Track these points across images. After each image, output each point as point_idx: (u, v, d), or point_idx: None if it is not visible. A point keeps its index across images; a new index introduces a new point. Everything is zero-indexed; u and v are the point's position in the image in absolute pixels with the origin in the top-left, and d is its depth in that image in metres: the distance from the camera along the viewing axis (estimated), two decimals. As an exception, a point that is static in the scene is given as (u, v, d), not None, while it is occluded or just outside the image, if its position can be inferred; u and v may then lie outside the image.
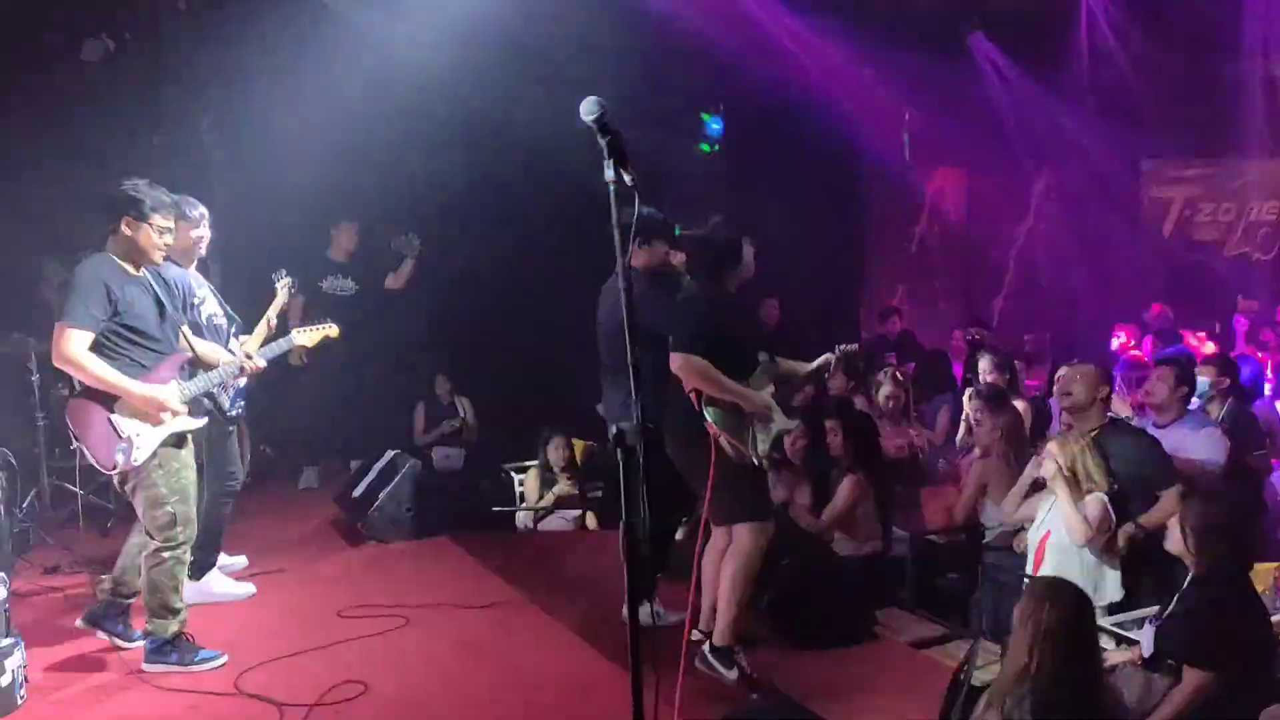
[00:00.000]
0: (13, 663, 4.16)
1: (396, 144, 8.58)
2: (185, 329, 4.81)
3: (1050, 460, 4.70)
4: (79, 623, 4.78)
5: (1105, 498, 4.61)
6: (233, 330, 5.41)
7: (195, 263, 5.32)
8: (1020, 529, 5.34)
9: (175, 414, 4.54)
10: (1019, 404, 6.81)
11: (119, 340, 4.43)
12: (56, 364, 4.41)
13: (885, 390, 7.27)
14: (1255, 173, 12.93)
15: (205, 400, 4.92)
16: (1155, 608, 3.97)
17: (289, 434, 8.15)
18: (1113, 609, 4.52)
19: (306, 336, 5.51)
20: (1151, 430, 5.40)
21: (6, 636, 4.24)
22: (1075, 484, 4.64)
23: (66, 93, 7.76)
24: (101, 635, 4.78)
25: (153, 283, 4.60)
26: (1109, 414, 5.16)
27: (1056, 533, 4.71)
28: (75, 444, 4.49)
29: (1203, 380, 6.07)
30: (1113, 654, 3.95)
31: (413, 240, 7.80)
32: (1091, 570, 4.58)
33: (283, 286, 5.66)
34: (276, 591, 5.62)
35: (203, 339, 5.02)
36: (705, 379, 4.25)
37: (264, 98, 8.22)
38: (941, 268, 13.15)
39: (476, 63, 8.51)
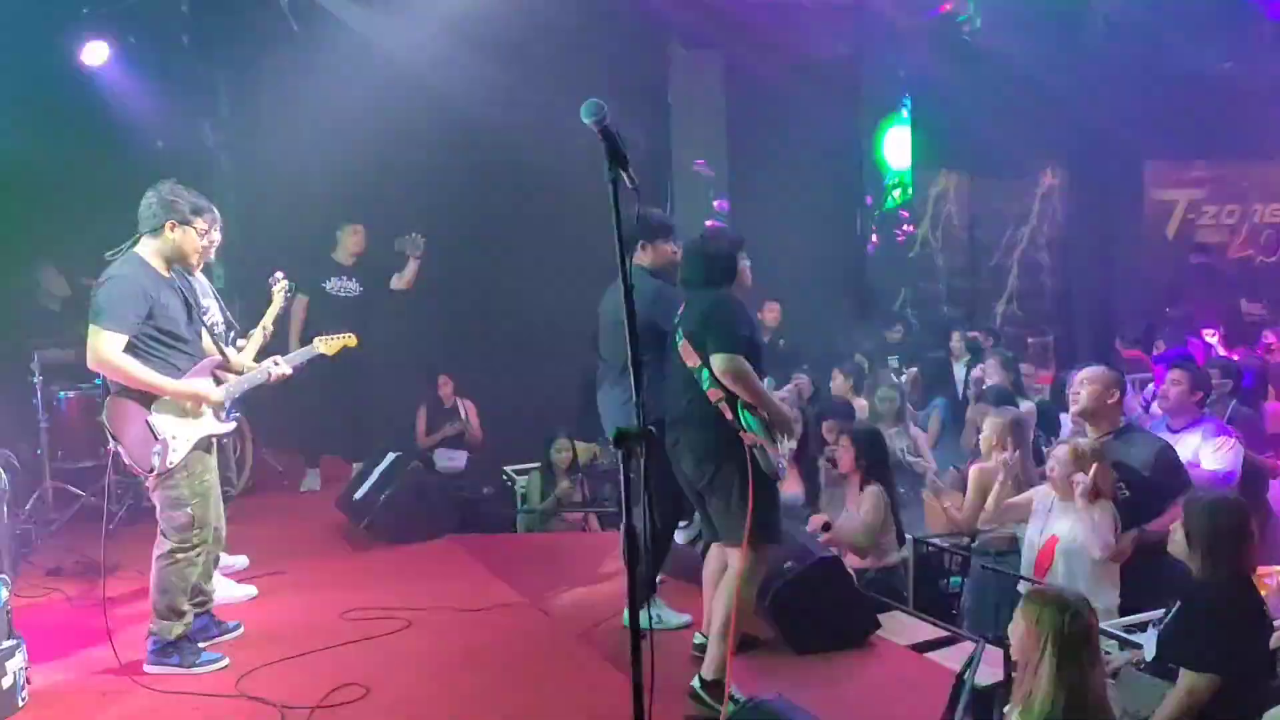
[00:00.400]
0: (14, 664, 4.16)
1: (399, 146, 8.60)
2: (204, 332, 4.84)
3: (1065, 468, 4.68)
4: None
5: (1112, 505, 4.61)
6: (231, 337, 5.41)
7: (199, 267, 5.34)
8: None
9: (215, 405, 4.61)
10: (1024, 405, 6.82)
11: (153, 343, 4.45)
12: (92, 366, 4.41)
13: (880, 393, 7.28)
14: (1259, 175, 12.93)
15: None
16: (1159, 611, 3.95)
17: (291, 437, 8.16)
18: (1108, 614, 4.51)
19: (328, 345, 5.49)
20: (1166, 434, 5.36)
21: (8, 638, 4.24)
22: (1086, 488, 4.62)
23: (69, 97, 7.78)
24: (210, 644, 4.77)
25: (181, 286, 4.65)
26: (1122, 418, 5.13)
27: (1066, 538, 4.69)
28: (113, 444, 4.45)
29: None
30: (1115, 657, 3.94)
31: (417, 239, 7.79)
32: (1097, 575, 4.58)
33: (279, 290, 5.64)
34: (278, 594, 5.62)
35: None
36: (749, 382, 4.07)
37: (266, 101, 8.24)
38: (944, 270, 13.14)
39: (479, 65, 8.54)
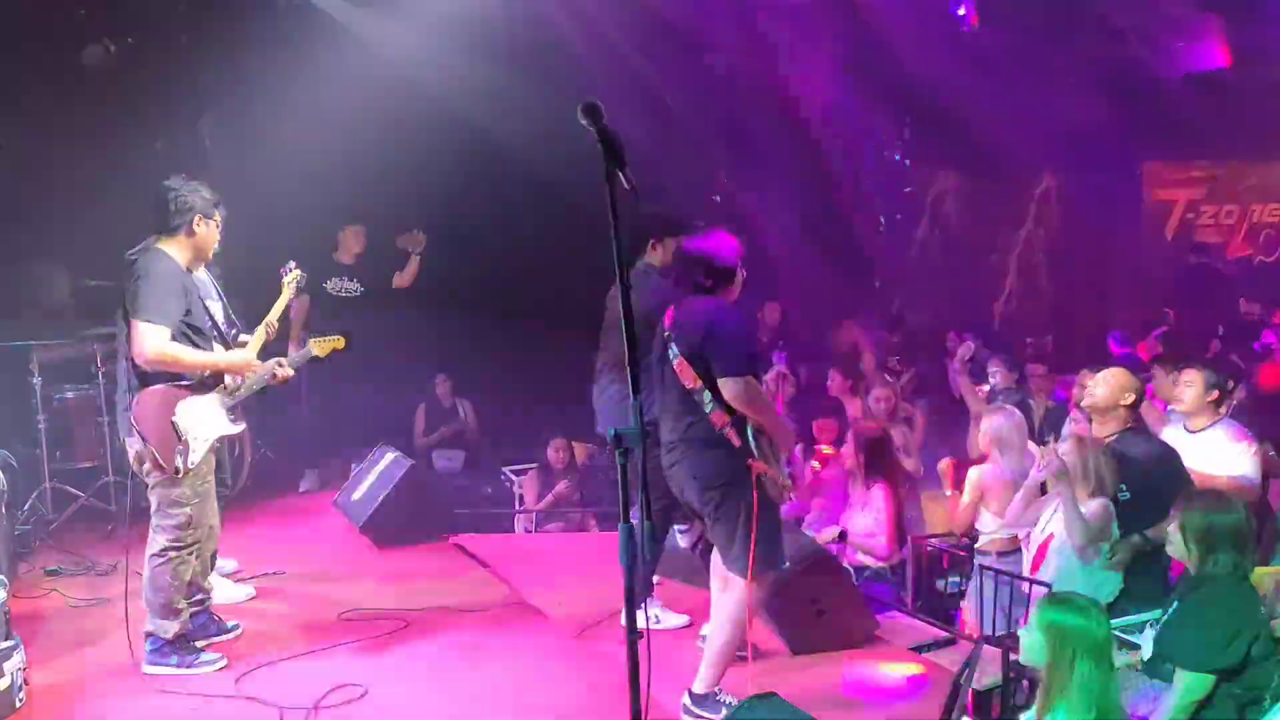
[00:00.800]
0: (12, 665, 4.16)
1: (397, 146, 8.59)
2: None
3: (1056, 460, 4.67)
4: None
5: (1109, 503, 4.60)
6: (234, 335, 5.40)
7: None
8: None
9: (253, 372, 4.75)
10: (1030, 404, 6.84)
11: (183, 339, 4.49)
12: (143, 362, 4.40)
13: (876, 392, 7.29)
14: (1258, 175, 12.93)
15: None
16: (1157, 611, 3.96)
17: (289, 437, 8.15)
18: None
19: (320, 347, 5.48)
20: (1184, 435, 5.35)
21: (6, 639, 4.24)
22: (1082, 484, 4.61)
23: (68, 97, 7.77)
24: (208, 643, 4.77)
25: (199, 283, 4.70)
26: (1133, 420, 5.12)
27: (1059, 536, 4.70)
28: (141, 445, 4.45)
29: None
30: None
31: (418, 236, 7.78)
32: (1093, 574, 4.58)
33: (289, 281, 5.60)
34: (277, 594, 5.62)
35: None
36: (761, 405, 3.94)
37: (265, 101, 8.22)
38: (942, 271, 13.15)
39: (476, 65, 8.54)
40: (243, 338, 5.33)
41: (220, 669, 4.58)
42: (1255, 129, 11.75)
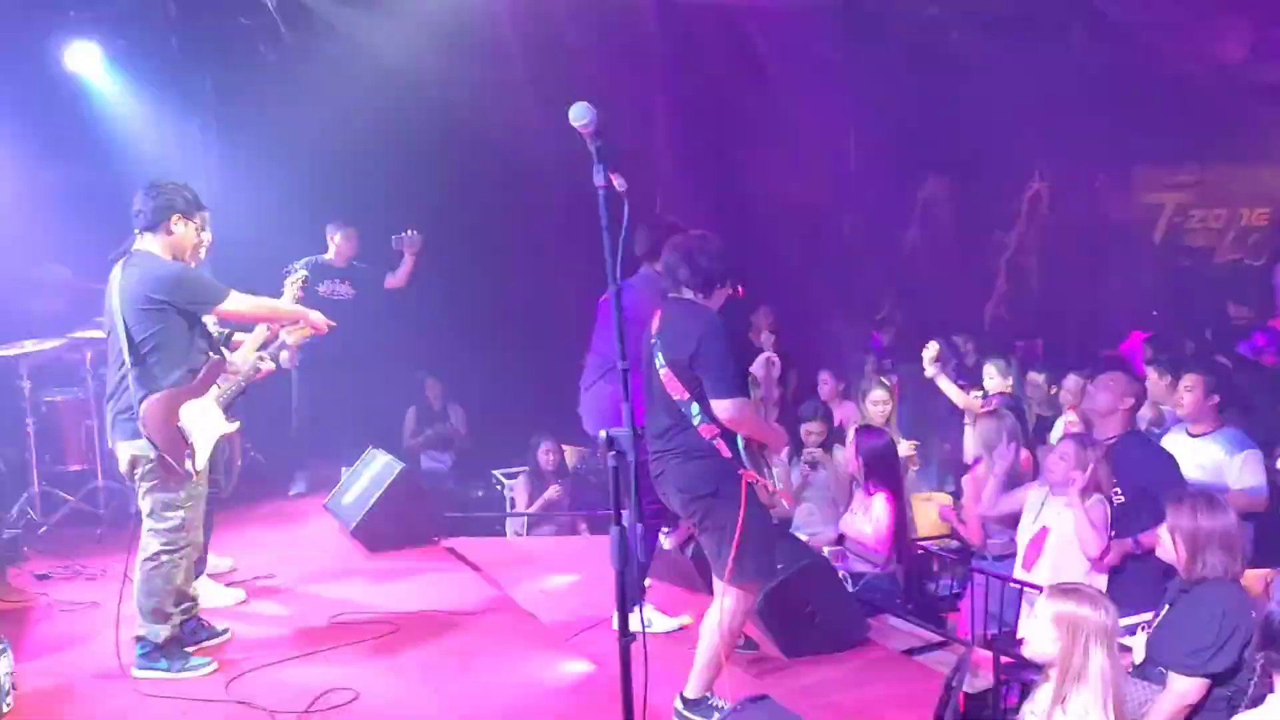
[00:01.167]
0: (1, 669, 4.14)
1: (389, 149, 8.59)
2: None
3: (1067, 461, 4.71)
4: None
5: (1105, 502, 4.63)
6: (225, 336, 5.40)
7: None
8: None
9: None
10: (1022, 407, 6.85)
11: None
12: (251, 319, 4.92)
13: (874, 396, 7.28)
14: (1246, 178, 12.97)
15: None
16: (1149, 614, 3.97)
17: (280, 440, 8.13)
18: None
19: (291, 336, 5.48)
20: (1185, 440, 5.36)
21: (-5, 642, 4.22)
22: (1084, 485, 4.65)
23: (59, 97, 7.75)
24: (199, 648, 4.76)
25: None
26: (1132, 425, 5.14)
27: (1057, 531, 4.72)
28: (155, 452, 4.43)
29: None
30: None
31: (414, 236, 7.75)
32: (1085, 569, 4.61)
33: (292, 283, 5.59)
34: (267, 597, 5.60)
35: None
36: (755, 421, 3.90)
37: (255, 103, 8.21)
38: (932, 273, 13.17)
39: (469, 67, 8.54)
40: (238, 336, 5.34)
41: (211, 673, 4.56)
42: (1244, 132, 11.80)
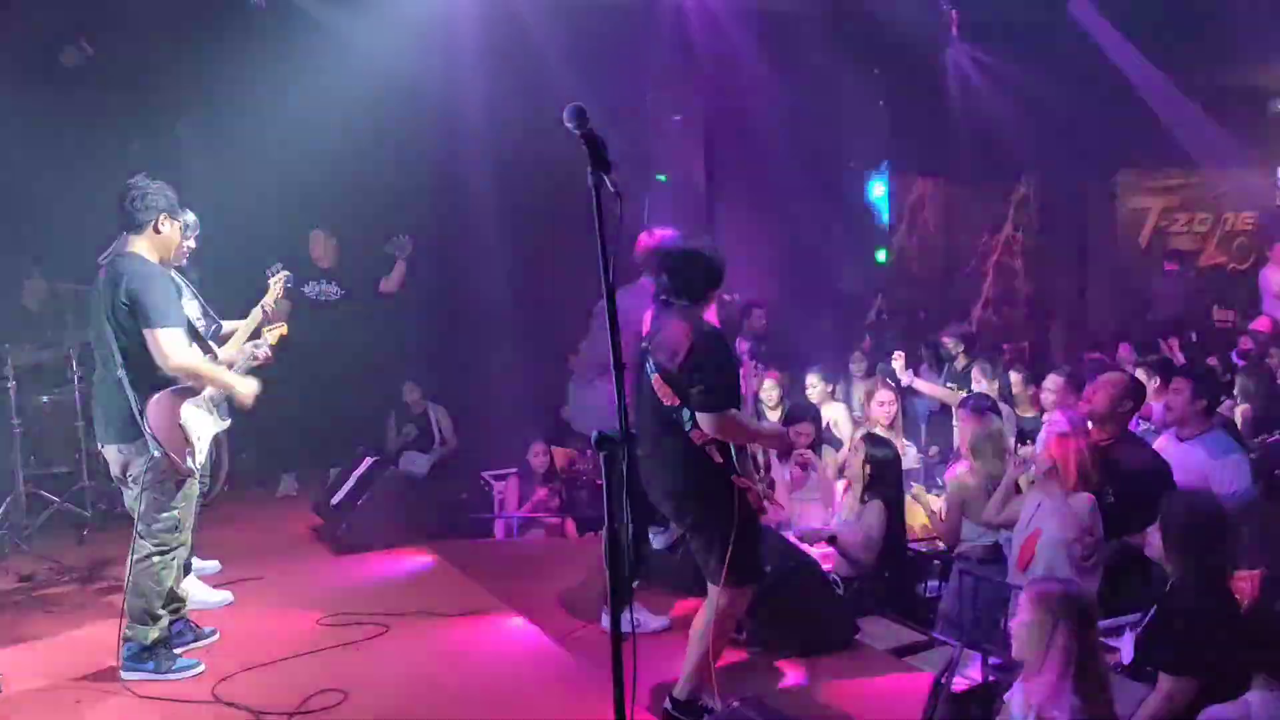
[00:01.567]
0: (-12, 671, 4.13)
1: (377, 149, 8.57)
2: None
3: (1046, 454, 4.74)
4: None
5: (1093, 498, 4.66)
6: (213, 331, 5.40)
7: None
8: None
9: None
10: (1003, 410, 6.87)
11: None
12: (167, 369, 4.40)
13: (879, 395, 7.26)
14: (1232, 183, 13.06)
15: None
16: (1136, 615, 3.99)
17: (267, 440, 8.10)
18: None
19: (271, 334, 5.50)
20: (1174, 444, 5.39)
21: (-19, 645, 4.20)
22: (1072, 483, 4.68)
23: (44, 99, 7.70)
24: (186, 649, 4.73)
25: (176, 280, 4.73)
26: (1128, 427, 5.17)
27: (1048, 531, 4.74)
28: (159, 451, 4.41)
29: None
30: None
31: (404, 242, 7.73)
32: (1076, 570, 4.63)
33: (276, 281, 5.60)
34: (255, 599, 5.58)
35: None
36: (741, 430, 3.92)
37: (242, 102, 8.18)
38: (920, 277, 13.23)
39: (457, 68, 8.53)
40: (226, 328, 5.34)
41: (198, 674, 4.54)
42: (1230, 136, 11.89)
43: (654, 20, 9.88)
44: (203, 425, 4.64)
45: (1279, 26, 10.35)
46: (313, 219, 8.01)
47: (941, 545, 6.22)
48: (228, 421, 4.93)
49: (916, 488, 6.78)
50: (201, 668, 4.58)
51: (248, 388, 4.76)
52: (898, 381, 7.59)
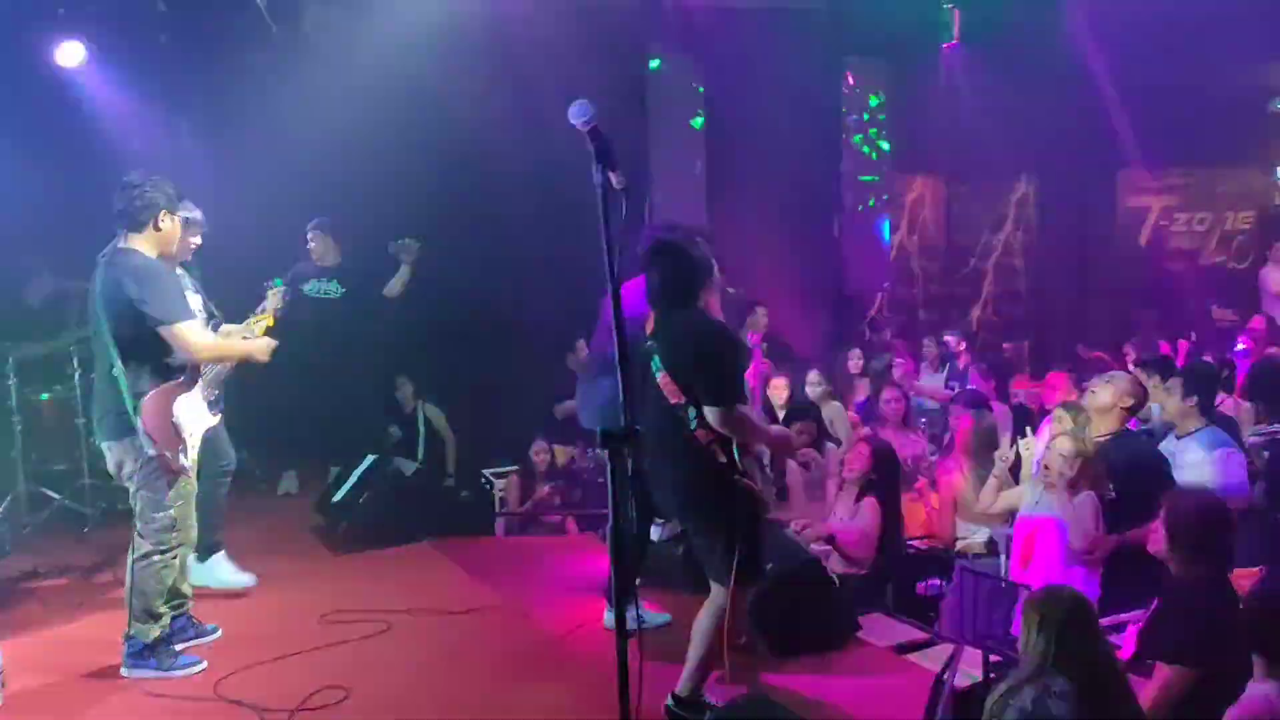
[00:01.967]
0: (-9, 668, 4.13)
1: (378, 148, 8.54)
2: None
3: (1065, 460, 4.76)
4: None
5: (1096, 495, 4.69)
6: (214, 326, 5.41)
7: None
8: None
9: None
10: (999, 408, 6.88)
11: None
12: (200, 359, 4.59)
13: (886, 393, 7.28)
14: (1231, 182, 13.07)
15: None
16: (1138, 611, 4.00)
17: (268, 438, 8.10)
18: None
19: (257, 328, 5.51)
20: (1172, 441, 5.42)
21: (-17, 642, 4.21)
22: (1075, 480, 4.70)
23: (45, 96, 7.71)
24: (188, 646, 4.74)
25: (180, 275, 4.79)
26: (1128, 425, 5.20)
27: (1049, 527, 4.77)
28: (153, 449, 4.42)
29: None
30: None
31: (411, 244, 7.69)
32: (1077, 565, 4.65)
33: (273, 295, 5.59)
34: (257, 596, 5.59)
35: None
36: (748, 429, 3.88)
37: (244, 102, 8.18)
38: (920, 275, 13.24)
39: (458, 68, 8.53)
40: (224, 328, 5.34)
41: (200, 672, 4.55)
42: (1229, 136, 11.90)
43: (653, 14, 9.89)
44: (196, 421, 4.63)
45: (1277, 26, 10.37)
46: (315, 217, 7.99)
47: (940, 545, 6.24)
48: (218, 416, 4.98)
49: (923, 483, 6.81)
50: (204, 665, 4.58)
51: (266, 347, 4.92)
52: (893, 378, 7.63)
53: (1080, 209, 13.17)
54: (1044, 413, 6.92)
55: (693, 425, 3.86)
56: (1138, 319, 11.24)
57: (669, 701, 4.08)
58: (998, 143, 11.87)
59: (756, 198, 10.56)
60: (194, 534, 4.86)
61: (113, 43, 7.95)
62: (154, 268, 4.47)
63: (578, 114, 2.57)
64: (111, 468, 4.57)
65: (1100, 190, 13.14)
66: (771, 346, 9.16)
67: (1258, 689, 3.16)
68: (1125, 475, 4.86)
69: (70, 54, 7.78)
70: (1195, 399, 5.39)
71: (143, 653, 4.51)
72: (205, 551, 5.45)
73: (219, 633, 4.94)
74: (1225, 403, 6.65)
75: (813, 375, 7.87)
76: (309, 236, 7.66)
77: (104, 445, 4.55)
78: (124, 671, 4.50)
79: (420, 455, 8.59)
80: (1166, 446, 5.42)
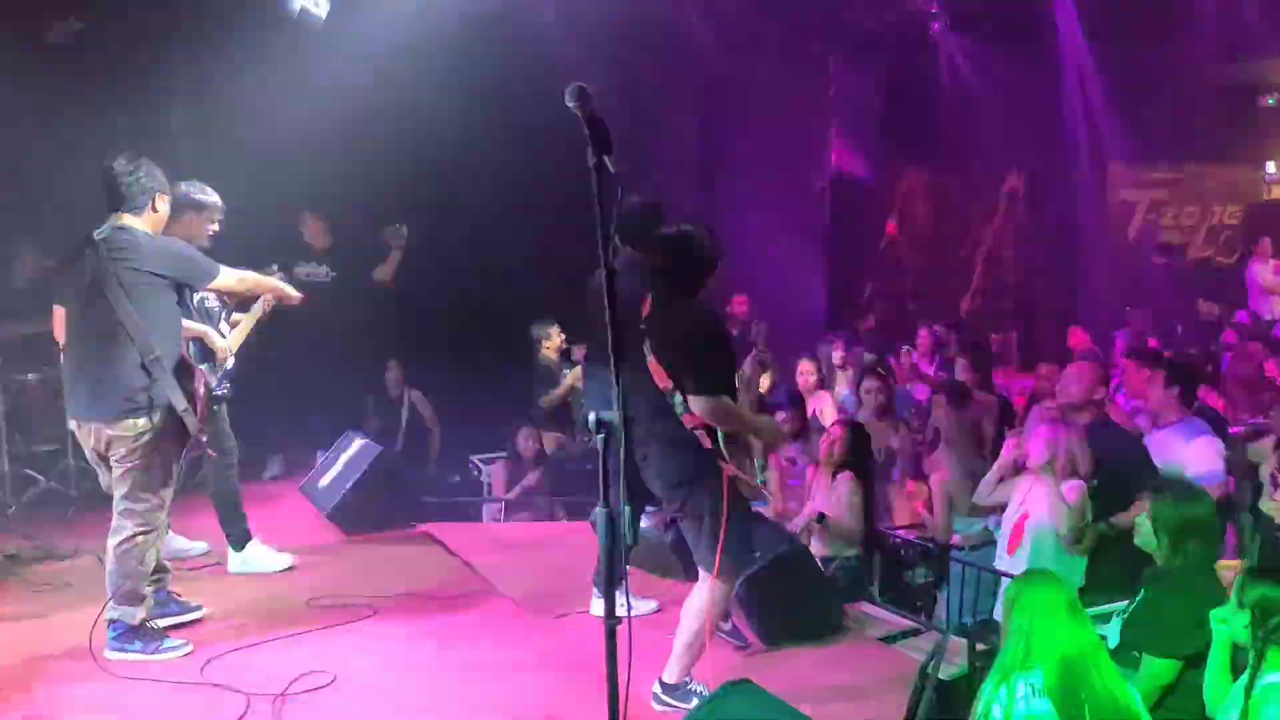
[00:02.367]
0: (-27, 650, 4.11)
1: (368, 134, 8.51)
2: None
3: (1041, 444, 4.81)
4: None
5: (1083, 484, 4.72)
6: (224, 314, 5.43)
7: None
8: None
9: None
10: (985, 400, 6.90)
11: (200, 318, 4.88)
12: (249, 293, 5.06)
13: (866, 383, 7.28)
14: (1219, 177, 13.12)
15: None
16: (1123, 602, 4.02)
17: (255, 422, 8.05)
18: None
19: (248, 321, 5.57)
20: (1152, 431, 5.49)
21: (-33, 623, 4.18)
22: (1062, 469, 4.74)
23: (34, 75, 7.63)
24: (169, 622, 4.72)
25: None
26: (1102, 414, 5.26)
27: (1035, 514, 4.80)
28: (181, 406, 4.50)
29: None
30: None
31: (400, 230, 7.68)
32: (1062, 554, 4.68)
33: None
34: (243, 580, 5.57)
35: (193, 321, 5.19)
36: (732, 418, 3.91)
37: (234, 83, 8.12)
38: (909, 266, 13.26)
39: (449, 55, 8.48)
40: (235, 316, 5.38)
41: (186, 655, 4.53)
42: (1218, 131, 11.95)
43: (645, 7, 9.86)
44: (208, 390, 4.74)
45: (1266, 22, 10.40)
46: (303, 206, 7.96)
47: (930, 535, 6.25)
48: (226, 385, 5.25)
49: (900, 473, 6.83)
50: (189, 648, 4.56)
51: (291, 289, 5.17)
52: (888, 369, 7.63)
53: (1069, 202, 13.20)
54: (1030, 404, 6.96)
55: (680, 411, 3.88)
56: (1127, 311, 11.27)
57: (656, 687, 4.08)
58: (988, 135, 11.89)
59: (747, 185, 10.57)
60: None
61: (103, 20, 7.88)
62: (164, 240, 4.60)
63: (574, 97, 2.55)
64: (96, 445, 4.49)
65: (1090, 183, 13.17)
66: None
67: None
68: (1106, 464, 4.92)
69: (61, 31, 7.71)
70: (1178, 389, 5.47)
71: (127, 635, 4.48)
72: (239, 541, 5.59)
73: (204, 610, 4.92)
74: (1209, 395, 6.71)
75: (805, 364, 7.87)
76: (303, 220, 7.65)
77: (90, 425, 4.47)
78: (108, 654, 4.47)
79: (400, 441, 8.56)
80: (1147, 437, 5.47)
